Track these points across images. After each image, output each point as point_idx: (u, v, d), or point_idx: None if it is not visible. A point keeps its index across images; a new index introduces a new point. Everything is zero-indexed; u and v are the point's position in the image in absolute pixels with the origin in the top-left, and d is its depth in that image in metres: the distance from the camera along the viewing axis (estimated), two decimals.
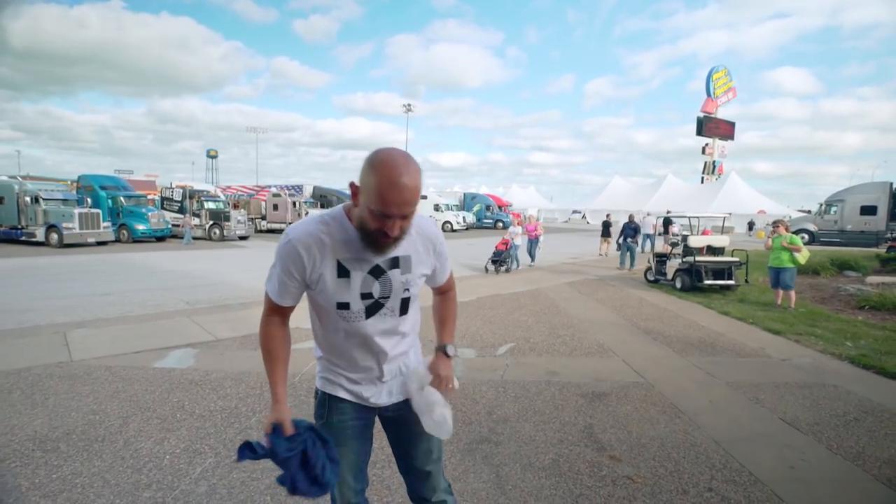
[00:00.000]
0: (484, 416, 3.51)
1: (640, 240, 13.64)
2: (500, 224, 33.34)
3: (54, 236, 15.69)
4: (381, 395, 1.55)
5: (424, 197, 31.76)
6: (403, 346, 1.56)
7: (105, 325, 5.94)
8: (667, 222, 16.59)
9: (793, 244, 7.52)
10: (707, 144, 50.67)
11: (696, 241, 9.66)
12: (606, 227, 16.27)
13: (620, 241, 13.01)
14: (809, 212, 26.84)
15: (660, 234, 16.13)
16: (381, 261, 1.40)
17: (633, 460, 2.92)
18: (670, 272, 9.97)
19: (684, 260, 9.49)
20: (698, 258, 9.28)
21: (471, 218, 32.50)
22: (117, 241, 17.45)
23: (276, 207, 25.13)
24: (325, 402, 1.55)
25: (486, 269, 11.49)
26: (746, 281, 9.58)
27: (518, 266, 12.14)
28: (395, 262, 1.42)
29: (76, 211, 16.04)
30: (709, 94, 51.37)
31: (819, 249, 16.63)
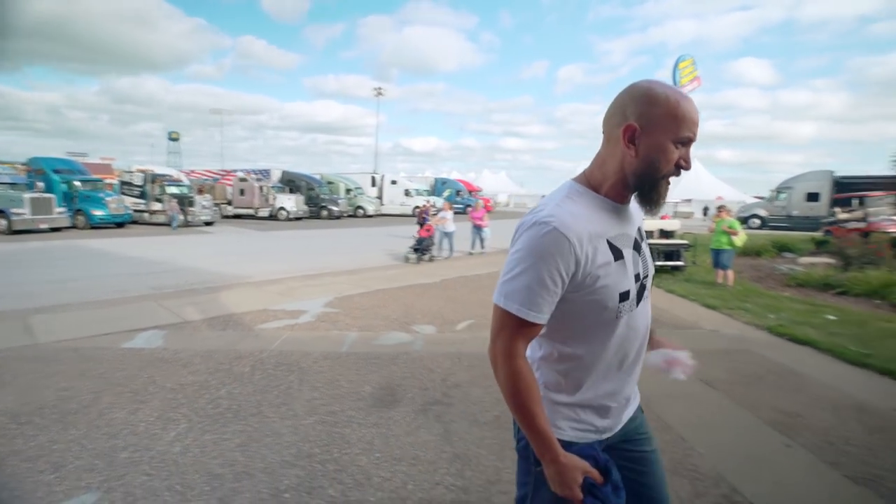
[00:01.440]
0: (438, 383, 3.86)
1: None
2: (471, 208, 33.72)
3: (2, 222, 15.12)
4: (626, 414, 1.27)
5: (394, 182, 31.79)
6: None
7: (70, 309, 6.00)
8: None
9: (731, 228, 8.14)
10: None
11: (647, 225, 10.23)
12: None
13: None
14: (763, 198, 28.19)
15: None
16: (636, 234, 1.20)
17: None
18: None
19: None
20: (650, 241, 9.85)
21: (439, 202, 32.72)
22: (73, 227, 16.95)
23: (242, 192, 24.75)
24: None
25: (407, 259, 10.64)
26: (693, 262, 10.25)
27: (451, 253, 11.53)
28: (641, 235, 1.23)
29: (27, 196, 15.47)
30: (675, 83, 52.79)
31: (767, 234, 17.69)
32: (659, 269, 9.74)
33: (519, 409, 1.10)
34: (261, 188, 24.54)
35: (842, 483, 2.62)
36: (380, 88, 46.64)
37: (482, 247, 12.27)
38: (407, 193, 30.49)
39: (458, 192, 34.01)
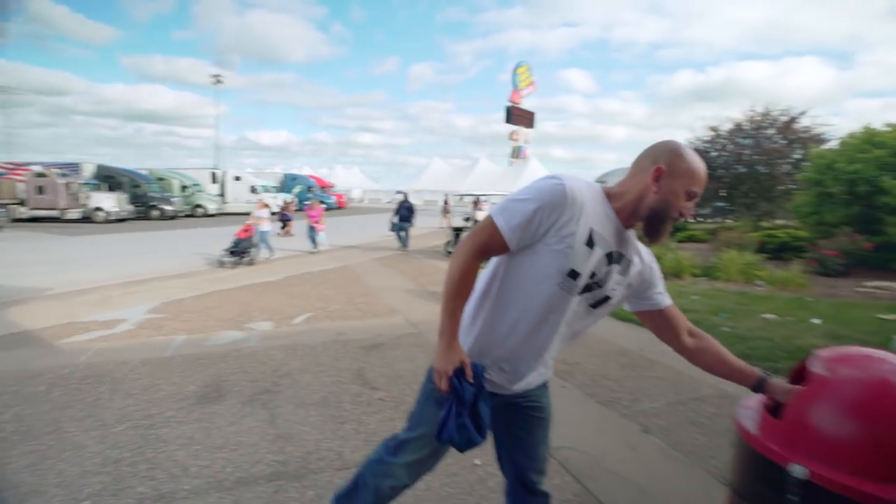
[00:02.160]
0: (269, 374, 3.92)
1: (415, 220, 13.23)
2: (324, 205, 32.92)
3: None
4: (520, 386, 1.47)
5: (238, 178, 29.54)
6: (560, 346, 1.47)
7: None
8: (475, 201, 19.05)
9: None
10: (513, 131, 56.95)
11: (482, 216, 11.33)
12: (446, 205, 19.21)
13: (395, 220, 13.04)
14: None
15: (446, 214, 19.64)
16: (617, 252, 1.35)
17: (388, 388, 3.67)
18: None
19: None
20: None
21: (291, 199, 31.36)
22: None
23: (41, 190, 20.75)
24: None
25: (221, 263, 9.58)
26: None
27: (271, 255, 10.70)
28: (620, 259, 1.37)
29: None
30: (514, 86, 57.66)
31: None
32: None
33: (448, 294, 1.32)
34: (67, 185, 20.87)
35: (594, 406, 3.39)
36: (218, 76, 42.51)
37: (314, 246, 11.90)
38: (253, 190, 28.58)
39: (309, 188, 32.94)
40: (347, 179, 55.27)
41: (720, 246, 9.80)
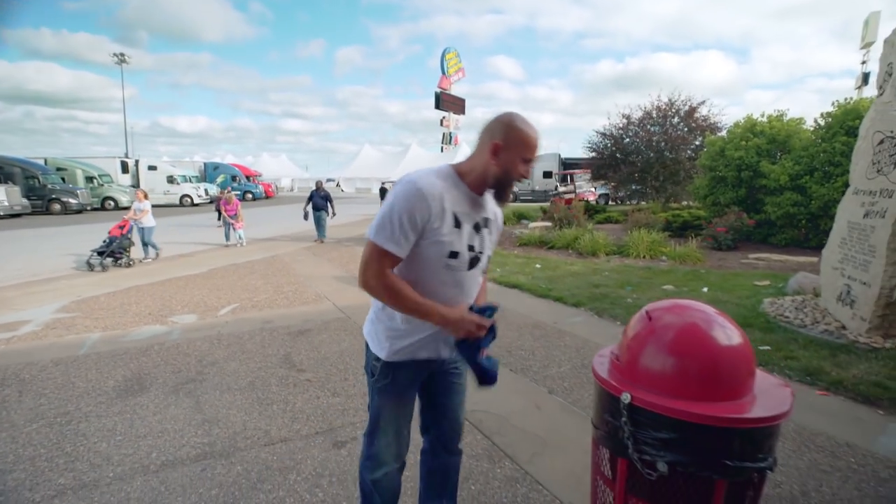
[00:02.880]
0: (194, 364, 3.92)
1: (333, 209, 12.42)
2: (250, 195, 31.60)
3: None
4: (448, 351, 1.63)
5: (153, 168, 27.58)
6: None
7: None
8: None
9: None
10: (444, 117, 57.23)
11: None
12: (383, 193, 18.82)
13: (309, 209, 12.12)
14: None
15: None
16: (480, 218, 1.55)
17: (315, 369, 3.81)
18: None
19: None
20: None
21: (214, 190, 29.79)
22: None
23: None
24: (390, 371, 1.60)
25: (91, 266, 8.25)
26: None
27: (156, 253, 9.28)
28: (486, 223, 1.58)
29: None
30: (443, 72, 57.82)
31: (514, 206, 21.36)
32: None
33: (407, 307, 1.45)
34: None
35: (507, 374, 3.72)
36: (122, 54, 39.05)
37: (240, 239, 11.21)
38: (171, 180, 26.86)
39: (233, 178, 31.42)
40: (275, 168, 53.26)
41: (631, 226, 10.68)
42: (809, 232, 9.56)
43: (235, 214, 11.30)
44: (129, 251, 8.71)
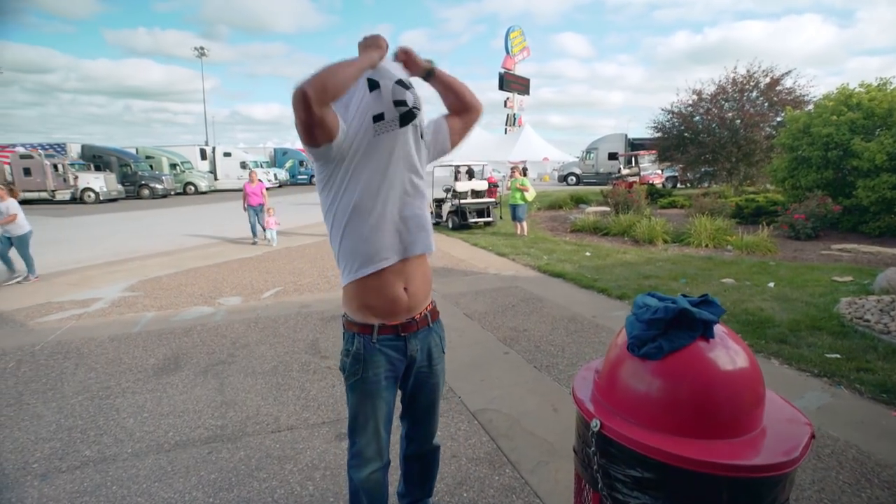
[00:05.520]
0: (228, 346, 4.11)
1: None
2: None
3: None
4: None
5: (228, 154, 29.35)
6: (424, 210, 1.57)
7: None
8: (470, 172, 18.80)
9: (523, 186, 9.49)
10: (508, 98, 56.00)
11: (462, 186, 11.33)
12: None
13: None
14: (578, 158, 32.38)
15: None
16: (403, 76, 1.50)
17: (337, 356, 3.83)
18: (445, 214, 11.57)
19: (453, 203, 11.12)
20: (463, 201, 10.97)
21: (283, 175, 31.25)
22: None
23: (28, 172, 20.70)
24: (359, 367, 1.56)
25: None
26: (500, 217, 11.69)
27: (33, 276, 6.68)
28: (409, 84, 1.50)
29: None
30: (507, 52, 56.33)
31: (574, 189, 20.57)
32: (473, 226, 10.97)
33: (341, 74, 1.32)
34: (55, 166, 20.81)
35: (529, 371, 3.57)
36: (202, 48, 41.71)
37: (266, 238, 9.34)
38: (243, 166, 28.47)
39: (301, 163, 32.73)
40: None
41: (696, 212, 9.90)
42: None
43: (262, 205, 9.22)
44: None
